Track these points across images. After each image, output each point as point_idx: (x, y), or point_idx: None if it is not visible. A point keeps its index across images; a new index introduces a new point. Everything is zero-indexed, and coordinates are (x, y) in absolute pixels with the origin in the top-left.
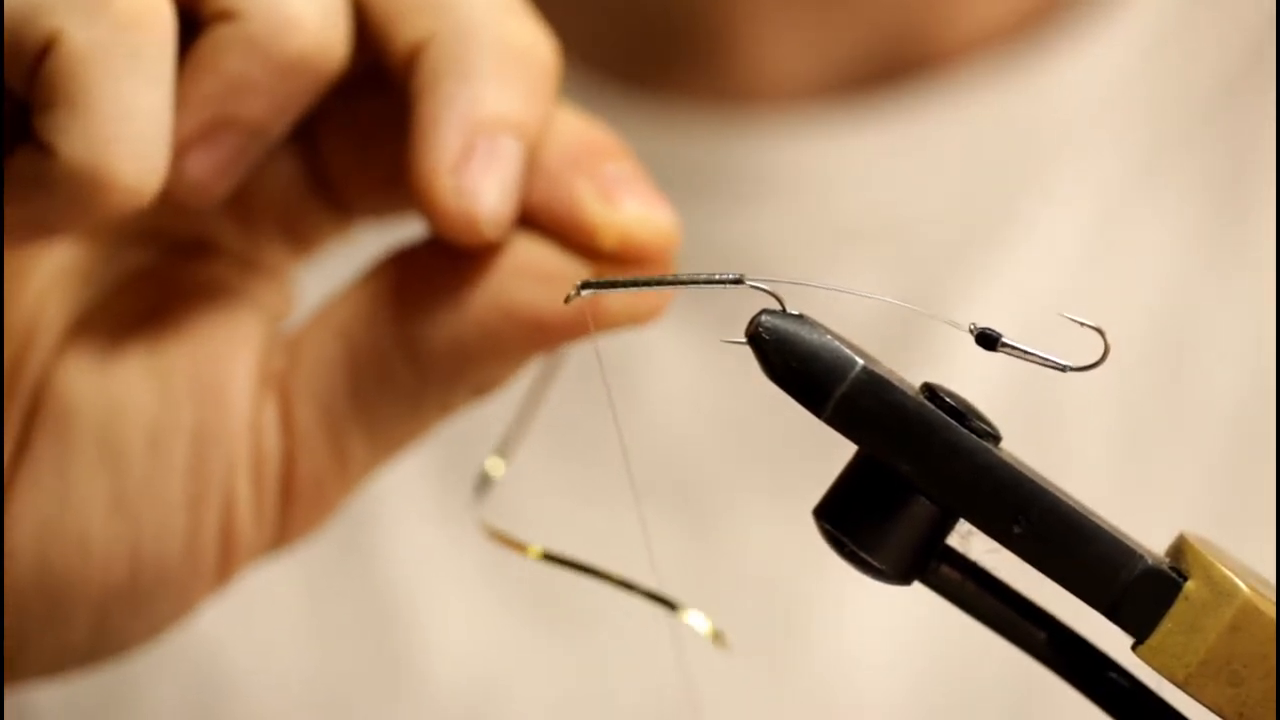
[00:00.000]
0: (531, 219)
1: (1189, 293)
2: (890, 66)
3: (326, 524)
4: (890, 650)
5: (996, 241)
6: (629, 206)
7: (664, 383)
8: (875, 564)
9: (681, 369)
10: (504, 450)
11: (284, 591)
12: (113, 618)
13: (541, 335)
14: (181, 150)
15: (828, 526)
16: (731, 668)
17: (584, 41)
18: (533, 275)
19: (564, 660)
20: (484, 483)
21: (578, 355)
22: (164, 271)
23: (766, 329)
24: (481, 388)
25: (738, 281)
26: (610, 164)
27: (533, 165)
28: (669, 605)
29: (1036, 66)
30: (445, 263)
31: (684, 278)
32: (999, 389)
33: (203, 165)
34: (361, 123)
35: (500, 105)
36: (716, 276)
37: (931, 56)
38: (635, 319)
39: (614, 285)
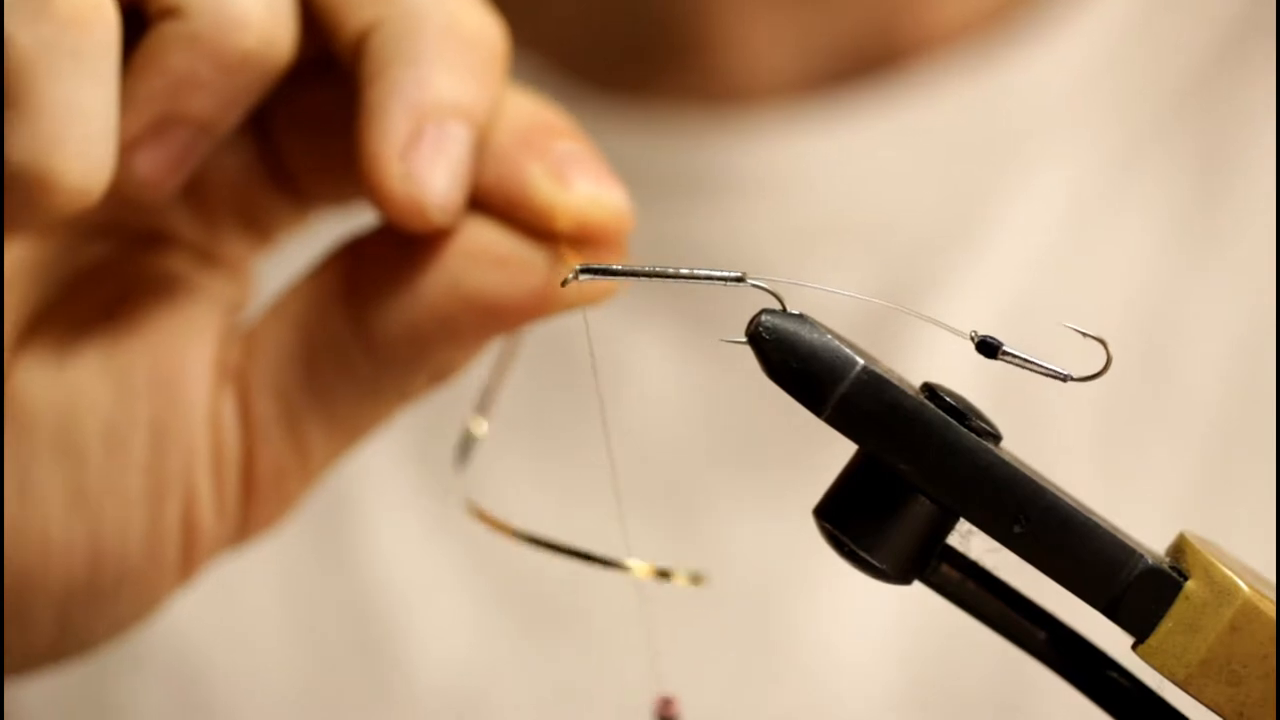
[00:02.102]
0: (485, 202)
1: (1166, 284)
2: (865, 62)
3: (289, 516)
4: (876, 644)
5: (974, 235)
6: (581, 186)
7: (647, 380)
8: (876, 564)
9: (664, 366)
10: (483, 409)
11: (266, 592)
12: (76, 614)
13: (497, 319)
14: (130, 148)
15: (828, 526)
16: (718, 662)
17: (562, 47)
18: (486, 260)
19: (548, 657)
20: (467, 443)
21: (563, 353)
22: (120, 265)
23: (767, 329)
24: (439, 374)
25: (739, 280)
26: (561, 143)
27: (484, 148)
28: (661, 574)
29: (1007, 60)
30: (399, 250)
31: (685, 272)
32: (981, 383)
33: (151, 162)
34: (314, 111)
35: (448, 90)
36: (717, 274)
37: (905, 51)
38: (591, 298)
39: (611, 273)
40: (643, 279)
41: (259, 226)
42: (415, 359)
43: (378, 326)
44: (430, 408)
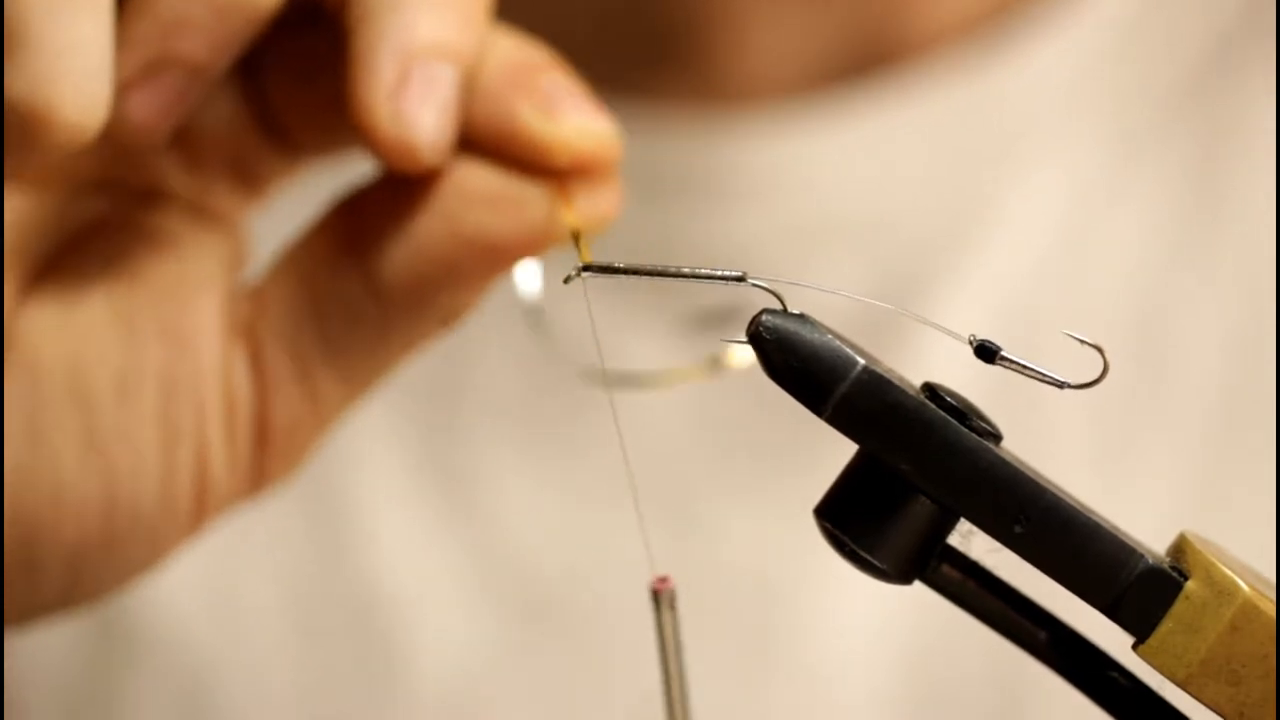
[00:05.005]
0: (477, 144)
1: (1163, 282)
2: (862, 62)
3: (302, 467)
4: (875, 642)
5: (972, 233)
6: (569, 118)
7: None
8: (876, 563)
9: (664, 365)
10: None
11: (267, 592)
12: (87, 564)
13: (497, 258)
14: (123, 91)
15: (829, 526)
16: (716, 660)
17: (562, 48)
18: (481, 201)
19: (548, 656)
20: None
21: (565, 350)
22: (118, 222)
23: (767, 328)
24: (446, 318)
25: (740, 279)
26: (546, 78)
27: (473, 90)
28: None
29: (1004, 60)
30: (397, 199)
31: (686, 271)
32: (980, 382)
33: (145, 106)
34: (301, 59)
35: (434, 32)
36: (718, 273)
37: (902, 51)
38: (589, 229)
39: (613, 271)
40: (643, 277)
41: (251, 178)
42: (422, 304)
43: (383, 275)
44: (431, 408)
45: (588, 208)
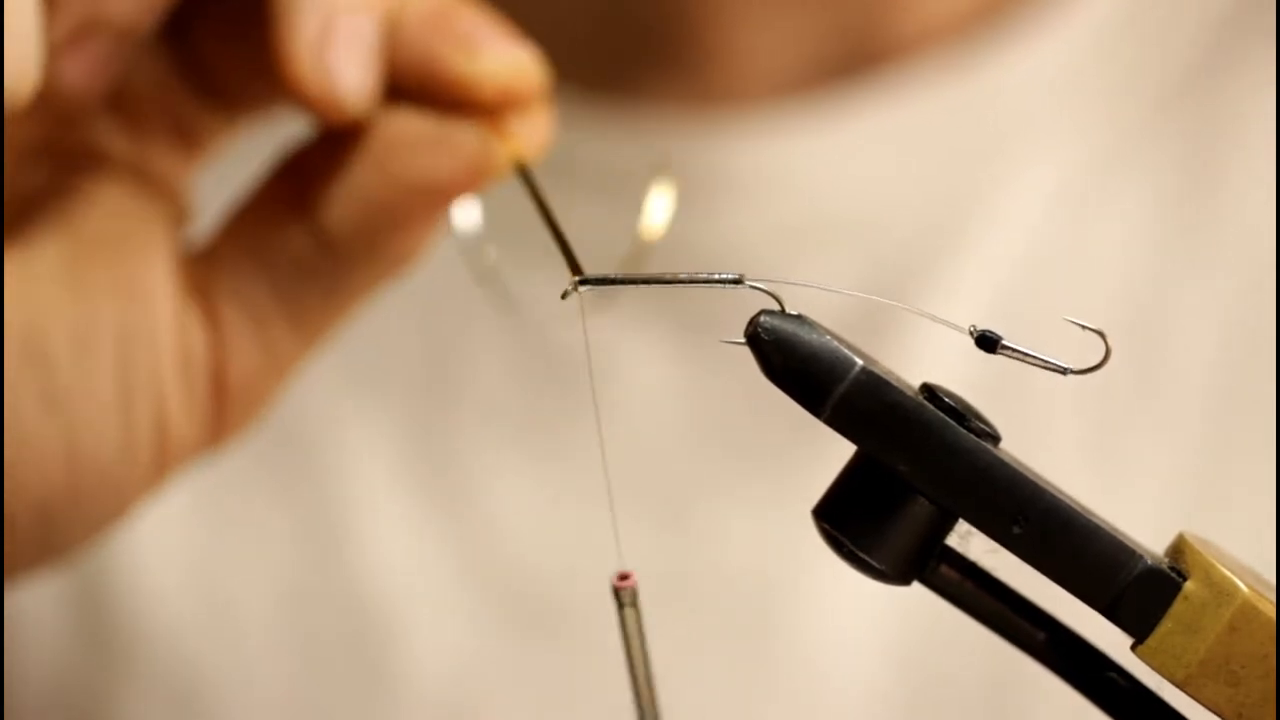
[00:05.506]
0: (407, 92)
1: (1153, 280)
2: (853, 62)
3: (262, 417)
4: (870, 642)
5: (962, 232)
6: (490, 53)
7: (640, 381)
8: (875, 564)
9: (658, 367)
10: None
11: (260, 599)
12: (55, 517)
13: (437, 199)
14: (56, 55)
15: (827, 527)
16: (710, 659)
17: (551, 50)
18: (417, 145)
19: (542, 658)
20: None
21: (558, 352)
22: (61, 188)
23: (766, 329)
24: (396, 263)
25: (737, 282)
26: (463, 20)
27: (395, 40)
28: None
29: (993, 59)
30: (337, 152)
31: (683, 276)
32: (973, 381)
33: (77, 69)
34: (230, 16)
35: None
36: (715, 276)
37: (892, 51)
38: (526, 157)
39: (612, 281)
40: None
41: (189, 138)
42: (370, 252)
43: (329, 227)
44: (423, 409)
45: (521, 137)
